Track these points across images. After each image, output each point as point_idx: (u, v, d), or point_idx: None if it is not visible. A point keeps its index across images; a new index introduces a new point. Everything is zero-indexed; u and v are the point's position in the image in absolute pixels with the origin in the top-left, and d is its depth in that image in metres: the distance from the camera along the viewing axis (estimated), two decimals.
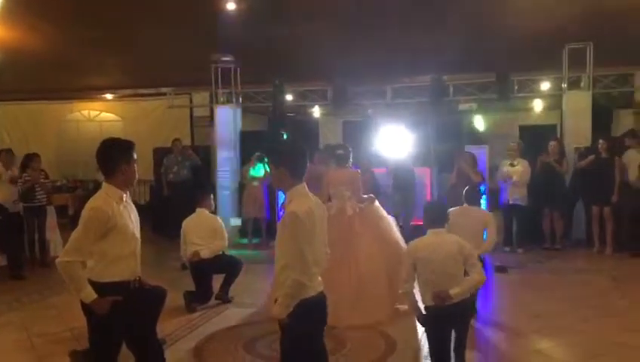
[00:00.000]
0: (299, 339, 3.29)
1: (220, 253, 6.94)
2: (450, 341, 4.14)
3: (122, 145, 3.62)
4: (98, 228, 3.39)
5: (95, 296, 3.38)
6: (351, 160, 6.87)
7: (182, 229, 6.90)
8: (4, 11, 9.63)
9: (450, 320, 4.03)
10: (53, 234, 9.34)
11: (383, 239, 6.56)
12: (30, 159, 8.93)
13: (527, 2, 9.12)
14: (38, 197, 8.86)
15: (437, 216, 4.24)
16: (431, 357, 4.24)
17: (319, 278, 3.38)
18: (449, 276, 3.96)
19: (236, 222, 11.40)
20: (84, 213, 3.42)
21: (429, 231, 4.19)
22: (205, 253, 6.71)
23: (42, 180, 8.97)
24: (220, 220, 7.13)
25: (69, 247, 3.39)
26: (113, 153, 3.56)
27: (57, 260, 3.40)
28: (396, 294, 5.91)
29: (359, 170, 7.21)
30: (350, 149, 6.91)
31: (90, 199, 3.52)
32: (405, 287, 4.10)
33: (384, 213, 6.85)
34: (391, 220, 6.91)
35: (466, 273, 4.05)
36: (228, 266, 6.92)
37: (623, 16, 9.20)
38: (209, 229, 6.87)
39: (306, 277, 3.19)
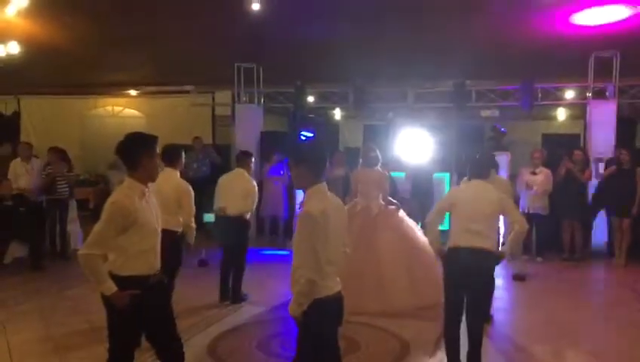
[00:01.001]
0: (313, 338, 3.30)
1: (247, 216, 6.95)
2: (464, 294, 4.41)
3: (145, 139, 3.63)
4: (119, 223, 3.42)
5: (115, 288, 3.41)
6: (380, 161, 7.18)
7: (217, 184, 7.07)
8: (32, 6, 9.79)
9: (468, 267, 4.31)
10: (73, 226, 9.46)
11: (406, 239, 6.82)
12: (51, 153, 9.07)
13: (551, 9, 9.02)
14: (60, 190, 8.97)
15: (481, 169, 4.61)
16: (445, 306, 4.56)
17: (337, 278, 3.38)
18: (484, 220, 4.36)
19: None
20: (106, 206, 3.45)
21: (473, 180, 4.59)
22: (232, 211, 6.82)
23: (66, 172, 9.09)
24: (255, 184, 7.11)
25: (90, 240, 3.42)
26: (135, 147, 3.58)
27: (79, 253, 3.43)
28: (416, 292, 6.43)
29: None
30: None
31: (113, 193, 3.55)
32: (430, 218, 4.62)
33: (406, 217, 7.11)
34: (413, 224, 7.08)
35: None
36: (241, 249, 6.92)
37: None
38: (242, 189, 6.90)
39: (318, 276, 3.20)
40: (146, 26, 10.43)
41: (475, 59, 10.36)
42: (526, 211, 9.33)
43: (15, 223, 8.39)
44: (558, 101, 11.05)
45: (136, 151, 3.56)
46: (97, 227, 3.42)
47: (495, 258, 4.52)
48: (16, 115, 14.75)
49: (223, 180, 7.07)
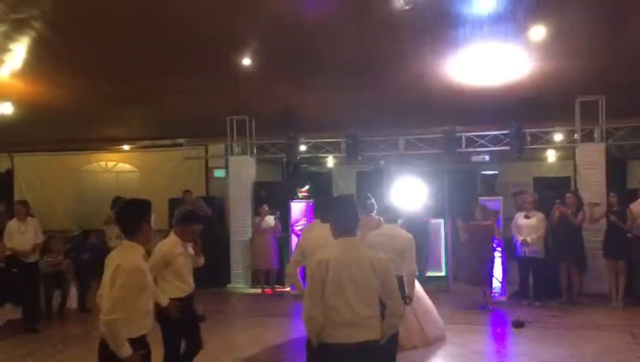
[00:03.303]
0: None
1: None
2: None
3: (143, 206, 3.83)
4: (137, 286, 3.56)
5: (131, 351, 3.49)
6: (376, 208, 7.62)
7: None
8: (26, 66, 9.96)
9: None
10: (69, 287, 9.37)
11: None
12: (50, 241, 9.24)
13: (538, 55, 9.25)
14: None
15: (349, 223, 3.69)
16: None
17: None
18: (362, 301, 3.46)
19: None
20: (123, 272, 3.51)
21: (339, 240, 3.64)
22: None
23: (63, 259, 9.24)
24: None
25: (114, 305, 3.47)
26: (136, 214, 3.77)
27: (104, 318, 3.47)
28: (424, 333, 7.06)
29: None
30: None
31: (123, 258, 3.60)
32: (313, 313, 3.47)
33: None
34: None
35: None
36: None
37: (636, 69, 9.30)
38: None
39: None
40: (138, 82, 10.61)
41: (464, 105, 10.56)
42: (523, 255, 9.37)
43: (8, 285, 8.29)
44: (547, 145, 11.15)
45: (137, 218, 3.73)
46: (118, 292, 3.49)
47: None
48: (10, 172, 14.80)
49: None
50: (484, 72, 9.76)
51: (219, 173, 13.24)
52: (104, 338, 3.57)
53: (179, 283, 5.06)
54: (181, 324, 4.99)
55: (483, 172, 11.18)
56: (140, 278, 3.59)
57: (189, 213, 5.95)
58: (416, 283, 7.14)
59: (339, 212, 3.74)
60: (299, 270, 5.45)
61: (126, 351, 3.48)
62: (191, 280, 5.27)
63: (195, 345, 5.20)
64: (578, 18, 8.17)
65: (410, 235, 5.95)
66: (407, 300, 5.52)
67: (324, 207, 3.99)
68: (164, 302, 4.84)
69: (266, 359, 6.79)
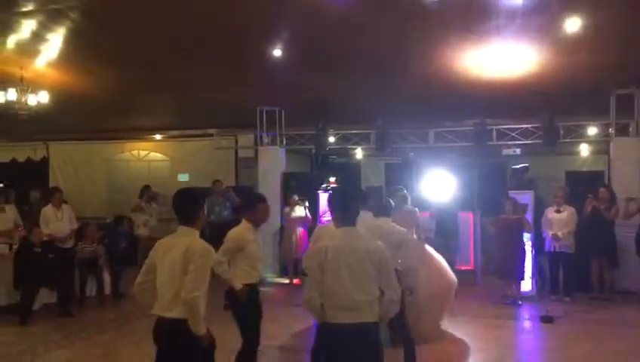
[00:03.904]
0: None
1: None
2: None
3: (199, 196, 4.17)
4: (209, 268, 3.84)
5: (205, 329, 3.75)
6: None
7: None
8: (62, 56, 10.17)
9: (345, 342, 3.65)
10: (102, 273, 9.57)
11: (439, 271, 7.22)
12: (84, 228, 9.48)
13: (573, 48, 9.09)
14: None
15: (344, 214, 3.86)
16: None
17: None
18: (357, 286, 3.63)
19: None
20: (197, 254, 3.72)
21: (340, 230, 3.83)
22: None
23: (97, 245, 9.48)
24: None
25: (197, 285, 3.68)
26: (194, 203, 4.03)
27: (190, 296, 3.64)
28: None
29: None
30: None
31: (191, 242, 3.81)
32: (311, 295, 3.74)
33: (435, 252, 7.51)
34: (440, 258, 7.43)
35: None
36: None
37: None
38: None
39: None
40: (170, 73, 10.73)
41: (495, 98, 10.45)
42: (553, 250, 9.26)
43: (44, 270, 8.50)
44: (581, 138, 10.96)
45: (195, 207, 4.00)
46: (193, 274, 3.69)
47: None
48: (45, 160, 15.16)
49: None
50: (516, 64, 9.64)
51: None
52: (161, 321, 3.75)
53: (250, 270, 5.16)
54: (252, 312, 5.10)
55: (514, 166, 11.07)
56: (212, 259, 3.87)
57: (253, 195, 6.08)
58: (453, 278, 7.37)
59: (335, 203, 3.97)
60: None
61: (203, 328, 3.72)
62: (260, 268, 5.36)
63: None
64: (613, 10, 8.00)
65: (403, 229, 5.88)
66: (409, 291, 5.67)
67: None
68: (238, 286, 5.00)
69: (301, 348, 6.85)
